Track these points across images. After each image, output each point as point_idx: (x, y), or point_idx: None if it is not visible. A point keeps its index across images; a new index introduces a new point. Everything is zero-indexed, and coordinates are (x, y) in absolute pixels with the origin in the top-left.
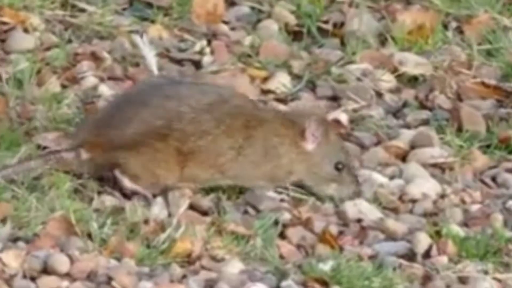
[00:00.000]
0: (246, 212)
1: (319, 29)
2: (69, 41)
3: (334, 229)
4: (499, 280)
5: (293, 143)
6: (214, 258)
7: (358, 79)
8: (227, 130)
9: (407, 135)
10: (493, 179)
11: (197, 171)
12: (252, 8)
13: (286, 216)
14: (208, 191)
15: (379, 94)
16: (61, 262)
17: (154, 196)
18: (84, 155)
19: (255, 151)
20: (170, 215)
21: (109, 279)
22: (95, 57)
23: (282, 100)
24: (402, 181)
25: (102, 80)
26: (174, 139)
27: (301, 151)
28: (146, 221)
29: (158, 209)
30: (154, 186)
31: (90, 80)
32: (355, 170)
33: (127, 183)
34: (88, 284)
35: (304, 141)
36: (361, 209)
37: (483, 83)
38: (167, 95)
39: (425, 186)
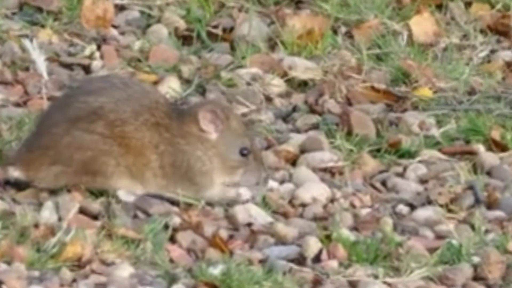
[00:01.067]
0: (136, 216)
1: (209, 34)
2: None
3: (224, 233)
4: (389, 284)
5: (197, 138)
6: (104, 262)
7: (248, 84)
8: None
9: (297, 139)
10: (383, 183)
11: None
12: (142, 12)
13: (176, 220)
14: (97, 195)
15: (268, 99)
16: None
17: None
18: (16, 173)
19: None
20: (60, 219)
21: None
22: None
23: None
24: (292, 185)
25: None
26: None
27: (207, 143)
28: (36, 225)
29: (48, 213)
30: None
31: None
32: (261, 155)
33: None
34: None
35: (205, 132)
36: (251, 213)
37: (372, 88)
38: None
39: (315, 190)
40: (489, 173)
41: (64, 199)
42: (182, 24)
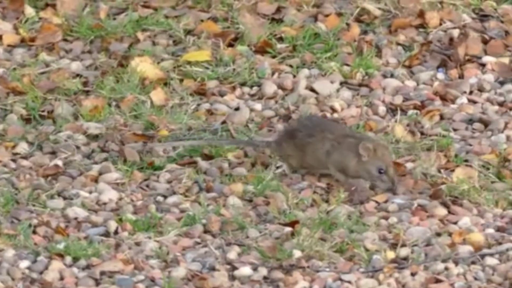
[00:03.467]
0: (12, 221)
1: (40, 116)
2: None
3: (62, 225)
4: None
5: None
6: None
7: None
8: None
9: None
10: (147, 185)
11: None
12: None
13: (35, 221)
14: None
15: (78, 147)
16: None
17: None
18: None
19: None
20: None
21: None
22: None
23: None
24: None
25: None
26: None
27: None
28: None
29: None
30: None
31: None
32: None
33: None
34: None
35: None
36: (76, 211)
37: (135, 134)
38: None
39: None
40: (205, 173)
41: None
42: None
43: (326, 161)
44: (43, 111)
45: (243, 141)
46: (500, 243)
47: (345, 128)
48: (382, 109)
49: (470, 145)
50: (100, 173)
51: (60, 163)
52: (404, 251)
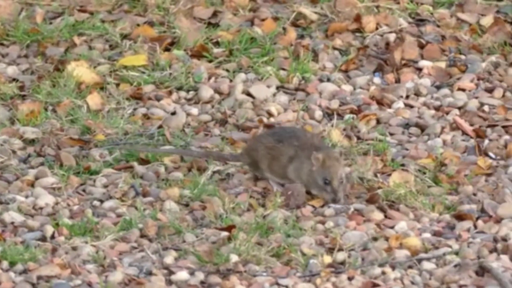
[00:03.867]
0: None
1: None
2: None
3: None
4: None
5: None
6: None
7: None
8: None
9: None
10: (83, 190)
11: None
12: None
13: None
14: None
15: (14, 151)
16: None
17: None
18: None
19: None
20: None
21: None
22: None
23: None
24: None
25: None
26: None
27: None
28: None
29: None
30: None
31: None
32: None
33: None
34: None
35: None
36: (13, 216)
37: (71, 138)
38: None
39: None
40: (142, 177)
41: None
42: None
43: (287, 166)
44: None
45: (213, 153)
46: (436, 248)
47: (313, 138)
48: (318, 113)
49: (407, 149)
50: (37, 178)
51: None
52: (341, 256)
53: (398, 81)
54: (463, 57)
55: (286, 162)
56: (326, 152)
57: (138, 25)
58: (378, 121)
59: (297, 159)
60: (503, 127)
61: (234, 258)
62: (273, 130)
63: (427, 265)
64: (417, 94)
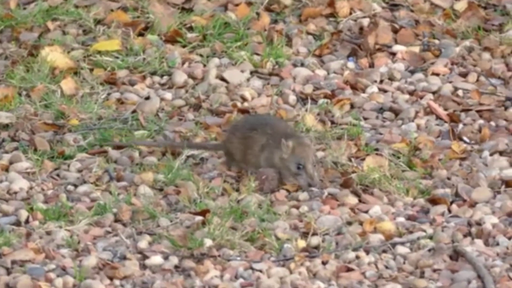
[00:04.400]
0: None
1: None
2: None
3: None
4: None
5: None
6: None
7: None
8: None
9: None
10: (58, 175)
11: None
12: None
13: None
14: None
15: None
16: None
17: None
18: None
19: None
20: None
21: None
22: None
23: None
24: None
25: None
26: None
27: None
28: None
29: None
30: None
31: None
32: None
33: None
34: None
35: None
36: None
37: (46, 123)
38: None
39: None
40: (116, 162)
41: None
42: None
43: (259, 155)
44: None
45: (198, 144)
46: (411, 232)
47: (286, 127)
48: (292, 98)
49: (381, 134)
50: (11, 162)
51: None
52: (315, 240)
53: (372, 65)
54: (437, 41)
55: (258, 151)
56: (296, 138)
57: (112, 10)
58: (352, 106)
59: (268, 148)
60: (477, 111)
61: (208, 242)
62: (246, 118)
63: (401, 250)
64: (391, 78)
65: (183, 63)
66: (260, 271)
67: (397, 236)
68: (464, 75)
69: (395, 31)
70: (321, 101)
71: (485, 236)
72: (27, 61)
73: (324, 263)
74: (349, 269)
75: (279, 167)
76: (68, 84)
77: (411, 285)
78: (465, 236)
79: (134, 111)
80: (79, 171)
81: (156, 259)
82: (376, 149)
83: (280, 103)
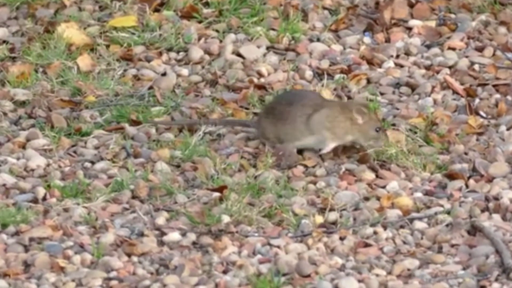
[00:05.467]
0: None
1: None
2: None
3: None
4: (86, 207)
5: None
6: None
7: None
8: None
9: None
10: (74, 151)
11: None
12: None
13: None
14: None
15: (5, 113)
16: None
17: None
18: None
19: None
20: None
21: None
22: None
23: None
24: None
25: None
26: None
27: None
28: None
29: None
30: None
31: None
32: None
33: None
34: None
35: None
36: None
37: (62, 100)
38: None
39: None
40: (133, 138)
41: None
42: None
43: (306, 126)
44: None
45: (239, 121)
46: (428, 207)
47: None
48: (309, 73)
49: (397, 109)
50: (28, 140)
51: None
52: (332, 216)
53: (388, 40)
54: (453, 16)
55: (302, 123)
56: (361, 104)
57: None
58: (369, 81)
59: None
60: (494, 86)
61: (225, 219)
62: (277, 97)
63: (419, 225)
64: (407, 53)
65: (199, 39)
66: (278, 247)
67: (414, 211)
68: (480, 49)
69: (411, 5)
70: (337, 76)
71: (502, 211)
72: (43, 38)
73: (341, 238)
74: (367, 245)
75: (345, 132)
76: (84, 61)
77: (428, 260)
78: (482, 211)
79: (150, 87)
80: (96, 147)
81: (173, 236)
82: (393, 124)
83: (297, 78)
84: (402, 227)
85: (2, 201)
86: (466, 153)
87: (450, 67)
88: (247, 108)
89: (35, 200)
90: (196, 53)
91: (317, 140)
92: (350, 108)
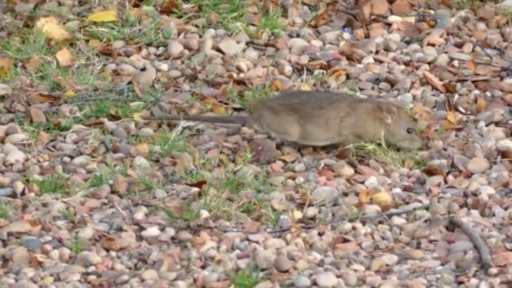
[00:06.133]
0: None
1: None
2: None
3: None
4: (64, 202)
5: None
6: None
7: None
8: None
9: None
10: (54, 146)
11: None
12: None
13: None
14: None
15: None
16: None
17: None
18: None
19: None
20: None
21: None
22: None
23: None
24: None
25: None
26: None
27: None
28: None
29: None
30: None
31: None
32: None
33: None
34: None
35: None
36: None
37: (41, 94)
38: None
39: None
40: (112, 133)
41: None
42: None
43: (340, 128)
44: None
45: (229, 118)
46: (407, 203)
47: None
48: (288, 69)
49: None
50: (7, 134)
51: None
52: (311, 211)
53: (367, 36)
54: (432, 12)
55: (336, 124)
56: (391, 103)
57: None
58: (348, 77)
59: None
60: (473, 82)
61: (204, 213)
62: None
63: (398, 220)
64: (387, 49)
65: (179, 34)
66: (257, 242)
67: (393, 207)
68: (459, 45)
69: (391, 1)
70: (316, 71)
71: (481, 207)
72: (22, 32)
73: (320, 234)
74: (345, 240)
75: (375, 133)
76: (64, 55)
77: (407, 256)
78: (461, 207)
79: (130, 82)
80: (75, 142)
81: (152, 231)
82: None
83: (276, 74)
84: (380, 222)
85: None
86: (445, 149)
87: (429, 63)
88: (226, 103)
89: (13, 195)
90: (176, 48)
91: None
92: (380, 108)
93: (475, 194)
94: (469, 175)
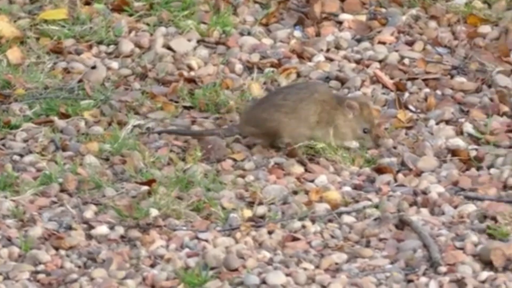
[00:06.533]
0: None
1: None
2: None
3: None
4: (14, 201)
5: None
6: None
7: None
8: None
9: None
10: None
11: None
12: None
13: None
14: None
15: None
16: None
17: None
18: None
19: None
20: None
21: None
22: None
23: None
24: None
25: None
26: None
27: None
28: None
29: None
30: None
31: None
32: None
33: None
34: None
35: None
36: None
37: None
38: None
39: None
40: (62, 131)
41: None
42: None
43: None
44: None
45: (217, 131)
46: (357, 201)
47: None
48: (239, 67)
49: None
50: None
51: None
52: (261, 210)
53: (318, 34)
54: (383, 10)
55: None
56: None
57: None
58: (299, 75)
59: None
60: (423, 80)
61: (154, 212)
62: (280, 91)
63: (347, 219)
64: (338, 47)
65: (129, 32)
66: (206, 240)
67: (343, 205)
68: (410, 43)
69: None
70: (267, 70)
71: (430, 205)
72: None
73: (270, 232)
74: (295, 239)
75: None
76: (14, 53)
77: (356, 255)
78: (411, 205)
79: (80, 81)
80: (25, 140)
81: (101, 229)
82: None
83: (227, 72)
84: (330, 221)
85: None
86: (395, 147)
87: (380, 61)
88: (176, 102)
89: None
90: (127, 46)
91: (323, 134)
92: (344, 102)
93: (424, 192)
94: (419, 174)
